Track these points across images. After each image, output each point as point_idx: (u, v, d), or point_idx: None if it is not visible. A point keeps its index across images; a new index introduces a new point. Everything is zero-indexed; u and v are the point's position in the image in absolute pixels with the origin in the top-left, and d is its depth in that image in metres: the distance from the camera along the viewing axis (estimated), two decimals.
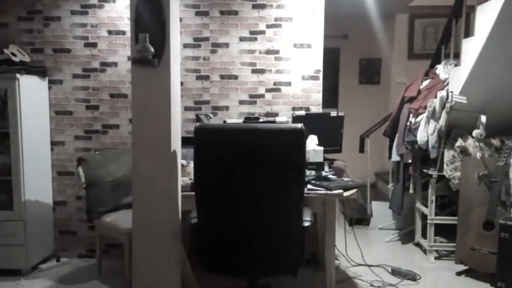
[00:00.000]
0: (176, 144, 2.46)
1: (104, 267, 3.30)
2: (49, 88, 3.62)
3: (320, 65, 3.57)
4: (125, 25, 3.52)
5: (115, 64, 3.60)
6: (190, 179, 2.67)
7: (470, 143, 3.54)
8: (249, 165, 2.13)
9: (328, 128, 3.36)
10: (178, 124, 2.52)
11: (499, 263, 3.02)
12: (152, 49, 2.27)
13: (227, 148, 2.14)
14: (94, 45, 3.60)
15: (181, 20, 3.46)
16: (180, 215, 2.52)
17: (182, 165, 2.79)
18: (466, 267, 3.40)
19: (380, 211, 4.58)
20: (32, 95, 3.40)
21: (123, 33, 3.56)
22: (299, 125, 2.09)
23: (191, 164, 2.74)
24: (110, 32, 3.59)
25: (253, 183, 2.15)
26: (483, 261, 3.25)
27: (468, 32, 3.58)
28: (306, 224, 2.24)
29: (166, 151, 2.37)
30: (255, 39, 3.56)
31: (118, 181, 3.24)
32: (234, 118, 3.51)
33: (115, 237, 3.10)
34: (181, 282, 2.58)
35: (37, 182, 3.43)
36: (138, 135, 2.40)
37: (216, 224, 2.26)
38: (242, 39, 3.57)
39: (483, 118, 3.42)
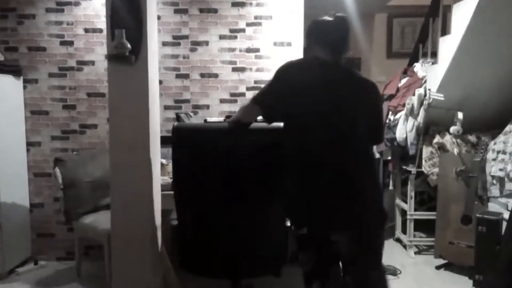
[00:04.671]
0: (155, 143, 2.42)
1: (83, 269, 3.25)
2: (24, 87, 3.52)
3: None
4: (102, 23, 3.46)
5: (92, 62, 3.53)
6: (171, 178, 2.64)
7: (447, 140, 3.60)
8: (229, 165, 2.05)
9: None
10: (157, 122, 2.49)
11: (476, 256, 3.07)
12: (128, 45, 2.23)
13: (207, 148, 2.07)
14: (70, 43, 3.52)
15: (159, 18, 3.41)
16: (160, 214, 2.48)
17: (162, 164, 2.76)
18: (445, 261, 3.47)
19: None
20: (6, 94, 3.31)
21: (100, 31, 3.49)
22: (282, 124, 1.95)
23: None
24: (86, 30, 3.52)
25: (233, 182, 2.07)
26: (461, 255, 3.31)
27: (445, 31, 3.64)
28: (289, 223, 2.14)
29: (144, 150, 2.34)
30: (235, 37, 3.55)
31: (96, 181, 3.18)
32: (215, 117, 3.49)
33: (94, 238, 3.04)
34: (163, 283, 2.55)
35: (12, 184, 3.33)
36: (116, 134, 2.35)
37: (196, 225, 2.19)
38: (222, 37, 3.55)
39: (460, 115, 3.48)
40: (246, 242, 2.17)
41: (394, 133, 3.78)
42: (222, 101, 3.59)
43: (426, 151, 3.63)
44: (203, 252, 2.21)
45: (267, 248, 2.20)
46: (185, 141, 2.09)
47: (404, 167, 3.78)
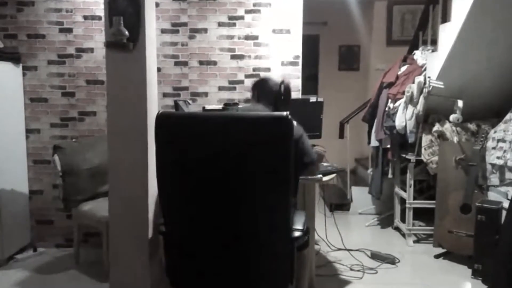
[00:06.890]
0: (153, 130, 2.41)
1: (82, 256, 3.26)
2: (24, 74, 3.52)
3: (299, 51, 3.55)
4: (101, 10, 3.40)
5: (91, 50, 3.52)
6: None
7: (447, 128, 3.59)
8: (222, 162, 1.73)
9: (307, 114, 3.35)
10: (155, 110, 2.47)
11: (475, 245, 3.07)
12: (126, 33, 2.22)
13: (196, 142, 1.76)
14: (69, 30, 3.50)
15: (158, 5, 3.39)
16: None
17: None
18: (444, 250, 3.47)
19: (360, 196, 4.63)
20: (6, 82, 3.31)
21: (99, 18, 3.47)
22: (284, 113, 1.70)
23: None
24: (85, 18, 3.50)
25: (227, 185, 1.75)
26: (460, 244, 3.31)
27: (445, 18, 3.61)
28: (297, 234, 1.81)
29: (142, 137, 2.33)
30: (234, 24, 3.52)
31: (95, 169, 3.18)
32: (213, 105, 3.48)
33: (93, 225, 3.05)
34: (160, 272, 2.56)
35: (11, 171, 3.35)
36: (114, 121, 2.35)
37: (185, 235, 1.86)
38: (220, 24, 3.52)
39: (460, 103, 3.46)
40: (241, 258, 1.85)
41: (394, 121, 3.77)
42: (221, 88, 3.57)
43: (426, 139, 3.62)
44: (193, 267, 1.89)
45: (269, 265, 1.86)
46: (171, 132, 1.81)
47: (403, 155, 3.77)
